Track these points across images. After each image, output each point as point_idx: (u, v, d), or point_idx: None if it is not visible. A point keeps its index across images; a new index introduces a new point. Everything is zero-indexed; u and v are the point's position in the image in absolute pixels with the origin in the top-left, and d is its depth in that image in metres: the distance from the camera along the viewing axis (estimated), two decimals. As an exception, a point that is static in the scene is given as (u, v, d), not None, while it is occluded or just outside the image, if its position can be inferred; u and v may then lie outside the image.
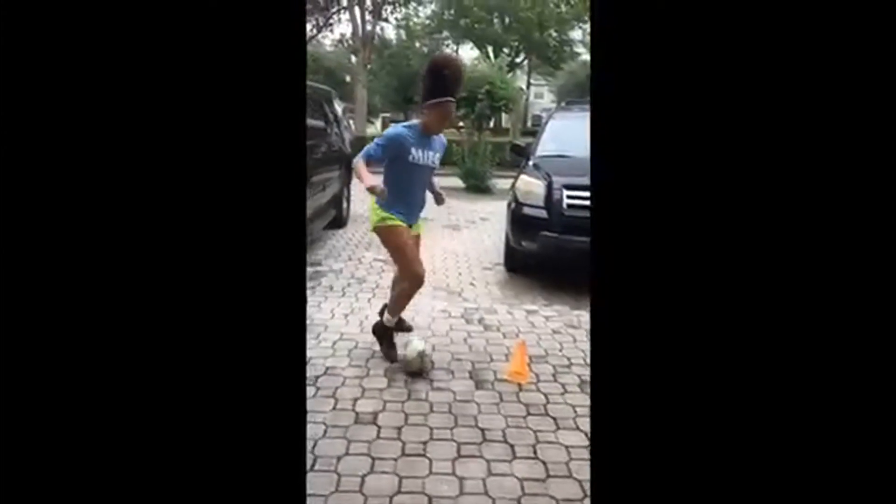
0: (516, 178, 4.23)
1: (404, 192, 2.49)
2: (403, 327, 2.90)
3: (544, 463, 1.96)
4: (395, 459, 1.94)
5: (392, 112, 27.89)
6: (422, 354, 2.54)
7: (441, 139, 2.58)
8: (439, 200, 2.71)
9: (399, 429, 2.14)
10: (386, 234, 2.52)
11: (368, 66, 17.42)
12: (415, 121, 2.50)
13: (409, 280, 2.54)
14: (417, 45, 24.46)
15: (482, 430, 2.16)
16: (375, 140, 2.45)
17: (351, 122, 7.33)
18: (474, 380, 2.58)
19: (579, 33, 23.56)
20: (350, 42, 19.19)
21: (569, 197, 3.66)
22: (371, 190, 2.28)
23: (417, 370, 2.54)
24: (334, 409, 2.27)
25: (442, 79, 2.36)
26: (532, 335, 3.13)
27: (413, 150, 2.42)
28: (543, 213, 3.75)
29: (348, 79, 23.38)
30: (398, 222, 2.49)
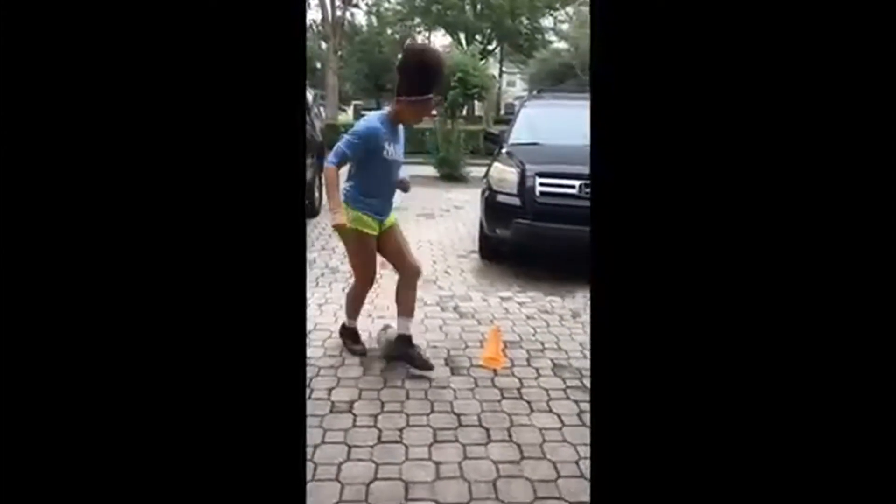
0: (490, 165, 4.25)
1: (376, 188, 2.36)
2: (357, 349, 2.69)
3: (519, 445, 2.00)
4: (372, 447, 1.95)
5: (364, 99, 27.56)
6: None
7: (401, 129, 2.43)
8: (405, 187, 2.57)
9: (375, 416, 2.15)
10: (345, 235, 2.39)
11: (339, 53, 17.13)
12: (383, 111, 2.37)
13: (357, 281, 2.53)
14: (389, 31, 24.16)
15: (458, 415, 2.18)
16: (347, 137, 2.29)
17: (322, 109, 7.21)
18: (450, 366, 2.60)
19: (550, 21, 23.64)
20: (320, 28, 18.82)
21: (541, 185, 3.69)
22: (337, 228, 2.28)
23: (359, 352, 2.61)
24: (310, 398, 2.27)
25: (425, 74, 2.22)
26: (506, 321, 3.16)
27: (387, 146, 2.30)
28: (517, 201, 3.78)
29: (319, 65, 22.97)
30: (363, 227, 2.35)
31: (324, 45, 18.99)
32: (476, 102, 11.13)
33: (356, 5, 18.30)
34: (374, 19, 24.08)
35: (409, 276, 2.52)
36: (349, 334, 2.72)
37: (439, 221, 5.80)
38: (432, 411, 2.21)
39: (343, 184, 2.39)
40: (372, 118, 2.36)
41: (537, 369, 2.61)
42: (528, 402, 2.31)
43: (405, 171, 2.63)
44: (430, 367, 2.47)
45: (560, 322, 3.18)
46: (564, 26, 23.43)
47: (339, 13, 16.48)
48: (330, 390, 2.34)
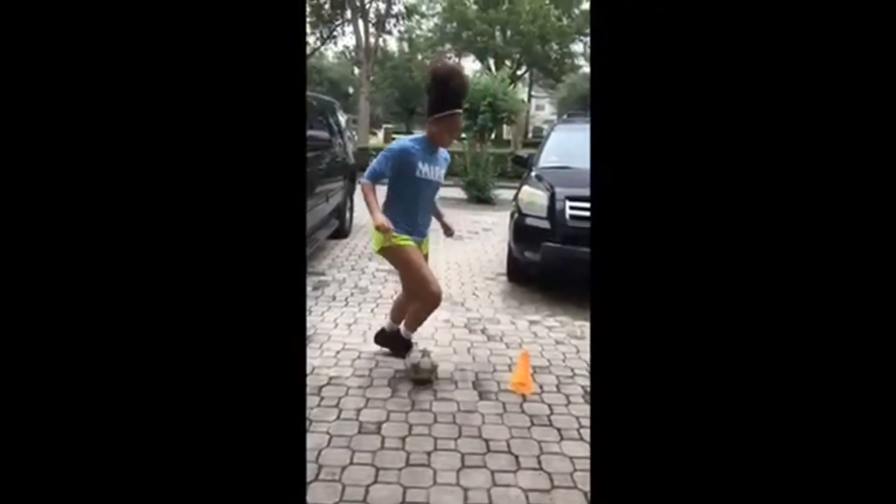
0: (519, 189, 4.26)
1: (410, 208, 2.39)
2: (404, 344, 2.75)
3: (549, 474, 1.96)
4: (400, 469, 1.94)
5: (395, 123, 28.09)
6: (434, 369, 2.54)
7: (444, 153, 2.49)
8: (448, 232, 2.66)
9: (403, 439, 2.14)
10: (394, 255, 2.41)
11: (371, 79, 17.57)
12: (420, 134, 2.41)
13: (423, 300, 2.45)
14: (420, 57, 24.71)
15: (486, 440, 2.16)
16: (380, 154, 2.38)
17: (354, 133, 7.37)
18: (478, 390, 2.58)
19: (580, 46, 23.80)
20: (353, 54, 19.39)
21: (571, 208, 3.68)
22: (379, 228, 2.22)
23: (425, 380, 2.55)
24: (338, 418, 2.27)
25: (447, 90, 2.28)
26: (535, 345, 3.13)
27: (420, 165, 2.33)
28: (546, 224, 3.77)
29: (351, 90, 23.56)
30: (405, 241, 2.38)
31: (356, 70, 19.52)
32: (505, 126, 11.23)
33: (389, 32, 18.80)
34: (405, 45, 24.67)
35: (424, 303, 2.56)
36: (404, 346, 2.69)
37: (467, 243, 5.81)
38: (460, 435, 2.19)
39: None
40: (406, 139, 2.44)
41: (567, 396, 2.56)
42: (559, 430, 2.26)
43: (444, 212, 2.69)
44: (401, 355, 2.64)
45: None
46: (594, 51, 23.46)
47: (372, 39, 16.96)
48: (359, 410, 2.34)
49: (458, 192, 9.02)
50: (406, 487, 1.84)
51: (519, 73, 23.79)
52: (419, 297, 2.47)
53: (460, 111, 2.31)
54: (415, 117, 27.18)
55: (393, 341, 2.77)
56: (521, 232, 3.93)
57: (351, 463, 1.97)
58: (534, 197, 3.92)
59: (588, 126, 4.80)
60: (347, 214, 5.78)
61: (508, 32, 22.28)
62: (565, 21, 21.70)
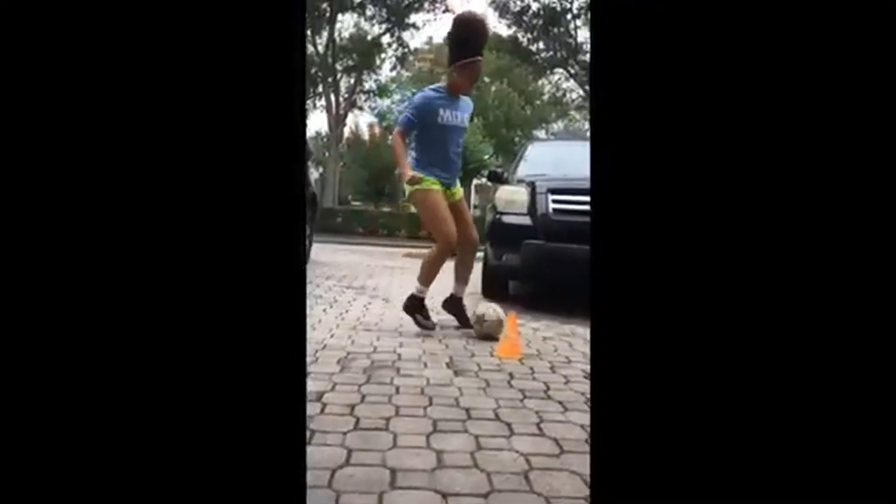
0: (494, 191, 3.92)
1: (438, 153, 2.49)
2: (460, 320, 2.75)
3: (554, 439, 1.41)
4: (345, 433, 1.36)
5: (363, 203, 28.20)
6: (499, 326, 2.50)
7: (467, 101, 2.57)
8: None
9: (352, 406, 1.57)
10: (420, 198, 2.47)
11: (343, 164, 17.71)
12: (441, 83, 2.52)
13: (439, 241, 2.47)
14: (390, 140, 25.45)
15: (466, 409, 1.60)
16: (406, 109, 2.55)
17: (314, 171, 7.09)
18: (452, 369, 2.03)
19: (542, 133, 25.03)
20: (325, 140, 19.73)
21: (555, 201, 3.32)
22: (410, 181, 2.39)
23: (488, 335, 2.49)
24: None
25: (468, 39, 2.38)
26: (521, 340, 2.61)
27: (441, 111, 2.43)
28: (527, 221, 3.38)
29: (322, 170, 23.76)
30: (432, 185, 2.46)
31: (327, 154, 19.77)
32: (473, 193, 11.20)
33: (360, 108, 19.27)
34: (376, 128, 25.43)
35: (467, 247, 2.66)
36: (418, 306, 2.62)
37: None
38: (431, 405, 1.62)
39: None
40: (427, 89, 2.54)
41: (566, 376, 2.04)
42: (560, 402, 1.73)
43: None
44: (470, 327, 2.60)
45: (585, 343, 2.63)
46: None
47: (344, 114, 17.32)
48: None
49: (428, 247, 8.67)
50: (352, 450, 1.26)
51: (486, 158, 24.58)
52: (436, 239, 2.52)
53: (481, 58, 2.41)
54: (383, 198, 27.40)
55: (458, 308, 2.75)
56: (499, 232, 3.52)
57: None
58: (514, 195, 3.56)
59: (561, 142, 4.62)
60: (307, 242, 5.30)
61: (474, 119, 23.27)
62: (528, 112, 22.86)
